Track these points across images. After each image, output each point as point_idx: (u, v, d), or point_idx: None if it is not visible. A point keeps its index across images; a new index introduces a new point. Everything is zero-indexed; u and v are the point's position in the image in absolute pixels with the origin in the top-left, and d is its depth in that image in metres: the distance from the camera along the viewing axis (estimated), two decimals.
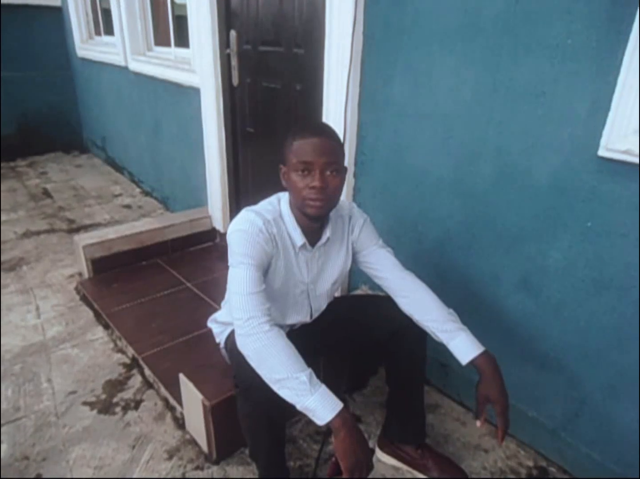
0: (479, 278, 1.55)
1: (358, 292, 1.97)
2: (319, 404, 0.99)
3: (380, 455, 1.50)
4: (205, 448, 1.49)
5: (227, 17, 2.36)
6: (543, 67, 1.23)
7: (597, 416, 1.36)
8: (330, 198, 1.14)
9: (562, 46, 1.18)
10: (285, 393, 1.02)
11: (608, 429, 1.34)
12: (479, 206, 1.48)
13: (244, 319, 1.07)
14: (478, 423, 1.19)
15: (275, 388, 1.03)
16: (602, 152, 1.15)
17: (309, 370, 1.03)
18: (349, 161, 1.84)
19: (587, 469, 1.42)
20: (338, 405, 1.01)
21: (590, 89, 1.15)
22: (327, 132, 1.16)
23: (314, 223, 1.22)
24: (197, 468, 1.46)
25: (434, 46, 1.47)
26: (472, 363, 1.18)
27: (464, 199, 1.52)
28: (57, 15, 4.70)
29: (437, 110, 1.52)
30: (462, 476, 1.41)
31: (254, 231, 1.15)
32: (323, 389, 1.02)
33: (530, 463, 1.51)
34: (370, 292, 1.91)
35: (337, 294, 1.96)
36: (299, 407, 1.01)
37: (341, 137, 1.77)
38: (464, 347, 1.19)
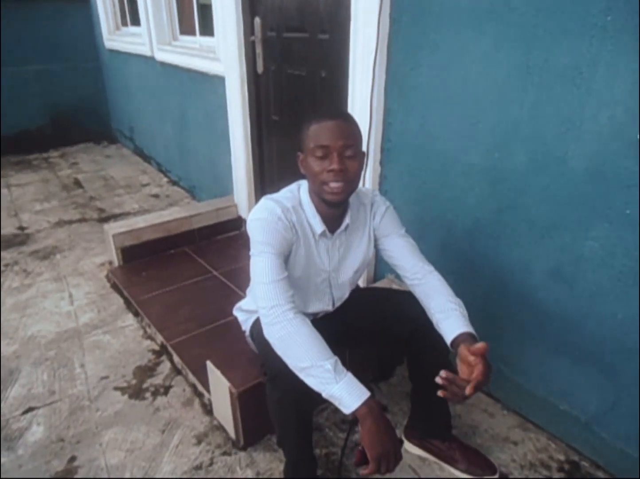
0: (510, 267, 1.51)
1: (384, 281, 1.95)
2: (344, 393, 0.99)
3: (407, 446, 1.49)
4: (232, 434, 1.51)
5: (251, 4, 2.34)
6: (581, 46, 1.17)
7: (633, 410, 1.31)
8: (349, 181, 1.12)
9: (602, 24, 1.12)
10: (311, 381, 1.02)
11: None
12: (511, 192, 1.43)
13: (268, 308, 1.08)
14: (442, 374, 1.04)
15: (301, 376, 1.03)
16: None
17: (335, 358, 1.03)
18: (375, 148, 1.81)
19: (621, 465, 1.38)
20: (364, 393, 1.00)
21: (632, 69, 1.09)
22: (344, 116, 1.16)
23: (334, 209, 1.21)
24: (224, 453, 1.49)
25: (463, 28, 1.42)
26: (457, 340, 1.10)
27: (495, 185, 1.47)
28: (85, 7, 4.77)
29: (467, 94, 1.47)
30: (491, 469, 1.39)
31: (273, 219, 1.14)
32: (349, 377, 1.01)
33: (562, 457, 1.48)
34: (395, 281, 1.88)
35: (362, 284, 1.96)
36: (324, 395, 1.01)
37: (367, 124, 1.74)
38: (452, 326, 1.12)
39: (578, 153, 1.24)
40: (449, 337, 1.13)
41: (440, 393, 1.01)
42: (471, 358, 1.02)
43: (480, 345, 1.03)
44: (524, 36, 1.28)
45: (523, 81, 1.31)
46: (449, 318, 1.15)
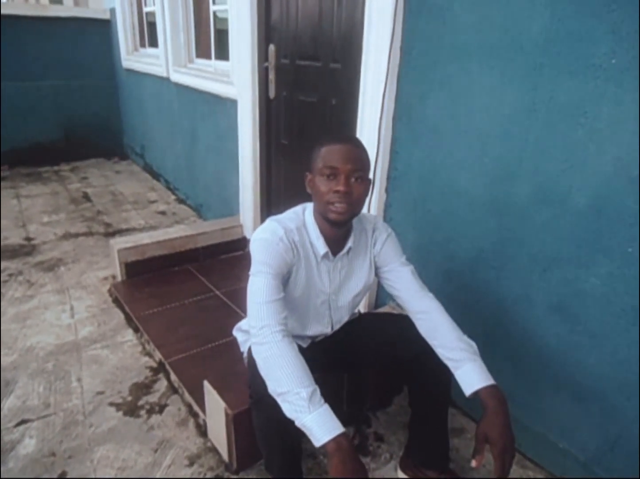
0: (511, 300, 1.51)
1: (385, 308, 1.95)
2: (314, 424, 0.96)
3: (401, 477, 1.46)
4: (225, 457, 1.49)
5: (266, 32, 2.41)
6: (585, 87, 1.20)
7: (633, 452, 1.29)
8: (353, 204, 1.15)
9: (606, 66, 1.15)
10: (286, 406, 1.00)
11: None
12: (514, 225, 1.44)
13: (257, 328, 1.08)
14: (473, 463, 1.08)
15: (278, 400, 1.02)
16: None
17: (313, 387, 1.01)
18: (381, 175, 1.83)
19: None
20: (336, 429, 0.97)
21: (635, 110, 1.11)
22: (355, 141, 1.20)
23: (336, 229, 1.22)
24: (216, 476, 1.46)
25: (472, 63, 1.46)
26: (476, 395, 1.11)
27: (499, 218, 1.48)
28: (105, 28, 4.92)
29: (473, 127, 1.50)
30: None
31: (274, 240, 1.16)
32: (324, 409, 0.99)
33: None
34: (397, 309, 1.88)
35: (362, 310, 1.95)
36: (297, 423, 0.99)
37: (375, 152, 1.77)
38: (468, 377, 1.13)
39: (581, 189, 1.25)
40: (467, 390, 1.13)
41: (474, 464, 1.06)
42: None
43: (495, 473, 1.04)
44: (530, 74, 1.31)
45: (528, 117, 1.34)
46: (461, 368, 1.15)
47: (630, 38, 1.10)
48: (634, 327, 1.21)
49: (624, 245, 1.20)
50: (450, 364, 1.18)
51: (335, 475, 0.93)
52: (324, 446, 0.95)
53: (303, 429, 0.98)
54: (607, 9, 1.13)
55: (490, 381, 1.13)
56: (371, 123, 1.79)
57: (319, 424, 0.96)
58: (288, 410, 1.00)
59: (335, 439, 0.95)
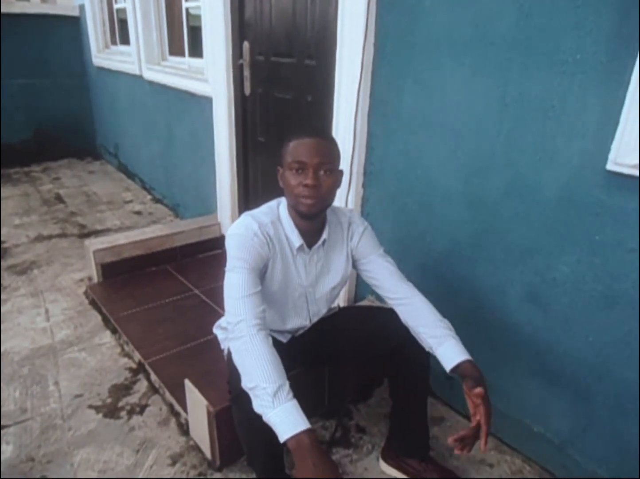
0: (486, 290, 1.54)
1: (364, 302, 1.97)
2: (278, 420, 0.96)
3: (384, 467, 1.49)
4: (208, 454, 1.49)
5: (240, 29, 2.40)
6: (552, 81, 1.23)
7: (605, 433, 1.34)
8: (322, 196, 1.17)
9: (572, 61, 1.19)
10: (255, 402, 1.01)
11: (616, 446, 1.32)
12: (488, 218, 1.48)
13: (234, 323, 1.09)
14: (474, 423, 1.07)
15: (250, 395, 1.03)
16: (610, 166, 1.15)
17: (281, 382, 1.01)
18: (357, 171, 1.85)
19: None
20: (300, 426, 0.96)
21: (600, 104, 1.16)
22: (322, 134, 1.21)
23: (309, 221, 1.24)
24: (200, 474, 1.46)
25: (444, 59, 1.48)
26: (456, 369, 1.15)
27: (473, 210, 1.52)
28: (75, 24, 4.81)
29: (446, 122, 1.52)
30: None
31: (248, 235, 1.17)
32: (289, 405, 0.99)
33: None
34: (376, 303, 1.90)
35: (341, 304, 1.97)
36: (264, 418, 0.99)
37: (351, 147, 1.78)
38: (450, 352, 1.18)
39: (551, 181, 1.29)
40: (447, 365, 1.17)
41: (456, 451, 1.07)
42: (474, 398, 1.08)
43: (477, 391, 1.07)
44: (500, 69, 1.34)
45: (499, 111, 1.37)
46: (443, 344, 1.19)
47: (594, 34, 1.14)
48: (602, 313, 1.26)
49: (591, 233, 1.24)
50: (433, 341, 1.21)
51: (297, 471, 0.94)
52: (286, 443, 0.95)
53: (269, 424, 0.98)
54: (572, 5, 1.17)
55: (468, 355, 1.17)
56: (347, 119, 1.80)
57: (282, 420, 0.97)
58: (256, 405, 1.01)
59: (295, 437, 0.94)
